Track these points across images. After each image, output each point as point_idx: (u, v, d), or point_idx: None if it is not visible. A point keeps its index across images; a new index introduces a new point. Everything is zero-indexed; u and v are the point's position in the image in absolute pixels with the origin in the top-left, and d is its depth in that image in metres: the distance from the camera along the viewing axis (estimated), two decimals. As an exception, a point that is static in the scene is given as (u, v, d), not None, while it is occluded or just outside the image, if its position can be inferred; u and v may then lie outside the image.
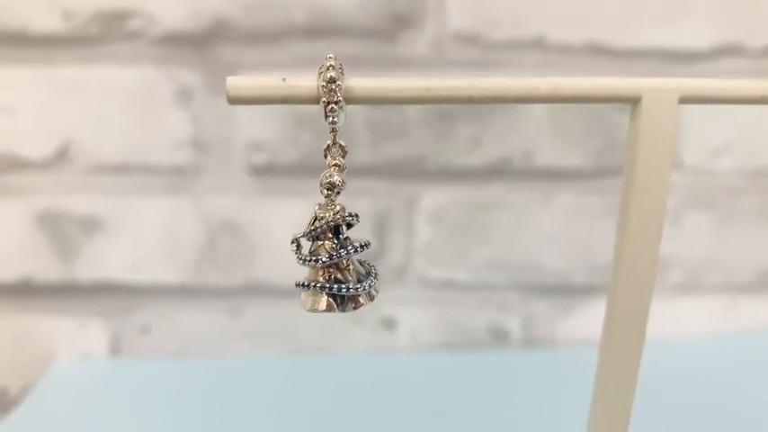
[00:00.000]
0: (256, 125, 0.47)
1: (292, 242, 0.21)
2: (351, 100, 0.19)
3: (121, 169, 0.48)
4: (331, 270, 0.20)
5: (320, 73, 0.19)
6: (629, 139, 0.17)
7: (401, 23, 0.47)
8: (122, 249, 0.49)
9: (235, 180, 0.48)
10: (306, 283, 0.21)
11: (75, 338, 0.50)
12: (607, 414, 0.21)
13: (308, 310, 0.21)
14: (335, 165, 0.20)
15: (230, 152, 0.48)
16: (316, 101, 0.19)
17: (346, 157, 0.20)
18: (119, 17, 0.46)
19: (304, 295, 0.21)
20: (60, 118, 0.47)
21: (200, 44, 0.46)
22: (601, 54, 0.48)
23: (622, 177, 0.51)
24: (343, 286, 0.20)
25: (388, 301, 0.51)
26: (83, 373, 0.49)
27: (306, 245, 0.21)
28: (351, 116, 0.46)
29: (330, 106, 0.19)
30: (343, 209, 0.21)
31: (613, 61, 0.48)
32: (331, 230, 0.20)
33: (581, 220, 0.50)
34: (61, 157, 0.47)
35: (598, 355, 0.20)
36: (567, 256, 0.51)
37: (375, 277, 0.21)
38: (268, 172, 0.48)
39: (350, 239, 0.21)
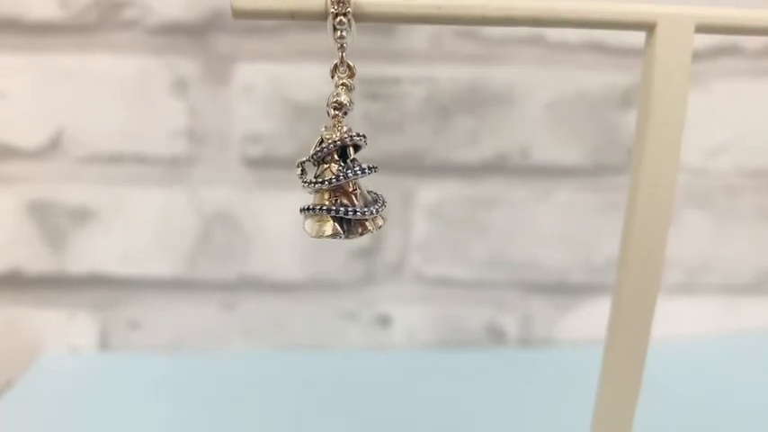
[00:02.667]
0: (253, 117, 0.47)
1: (297, 166, 0.20)
2: (360, 17, 0.18)
3: (115, 159, 0.47)
4: (337, 194, 0.20)
5: None
6: (644, 68, 0.16)
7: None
8: (114, 241, 0.48)
9: (230, 172, 0.48)
10: (311, 207, 0.20)
11: (63, 331, 0.49)
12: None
13: (313, 237, 0.20)
14: (343, 84, 0.20)
15: (226, 143, 0.47)
16: (323, 16, 0.18)
17: (354, 78, 0.20)
18: (115, 6, 0.45)
19: (309, 222, 0.20)
20: (54, 106, 0.47)
21: (196, 34, 0.46)
22: (598, 50, 0.48)
23: (621, 175, 0.50)
24: (350, 209, 0.19)
25: (383, 297, 0.50)
26: (69, 366, 0.48)
27: (311, 170, 0.20)
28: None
29: (339, 18, 0.18)
30: (350, 129, 0.20)
31: (611, 58, 0.48)
32: (338, 152, 0.20)
33: (579, 217, 0.50)
34: (54, 145, 0.47)
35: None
36: (564, 253, 0.51)
37: (383, 204, 0.20)
38: (264, 164, 0.48)
39: (357, 161, 0.20)
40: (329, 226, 0.19)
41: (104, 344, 0.50)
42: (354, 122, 0.48)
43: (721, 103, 0.50)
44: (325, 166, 0.20)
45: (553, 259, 0.51)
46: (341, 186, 0.20)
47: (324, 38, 0.46)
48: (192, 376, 0.47)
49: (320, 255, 0.49)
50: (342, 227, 0.20)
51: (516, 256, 0.50)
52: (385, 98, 0.47)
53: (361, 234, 0.20)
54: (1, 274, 0.48)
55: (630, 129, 0.50)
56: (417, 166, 0.48)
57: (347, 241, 0.51)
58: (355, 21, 0.18)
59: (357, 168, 0.20)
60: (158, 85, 0.46)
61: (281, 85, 0.47)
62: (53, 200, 0.48)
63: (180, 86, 0.47)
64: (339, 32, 0.19)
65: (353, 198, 0.20)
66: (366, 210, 0.20)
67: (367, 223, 0.20)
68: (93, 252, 0.48)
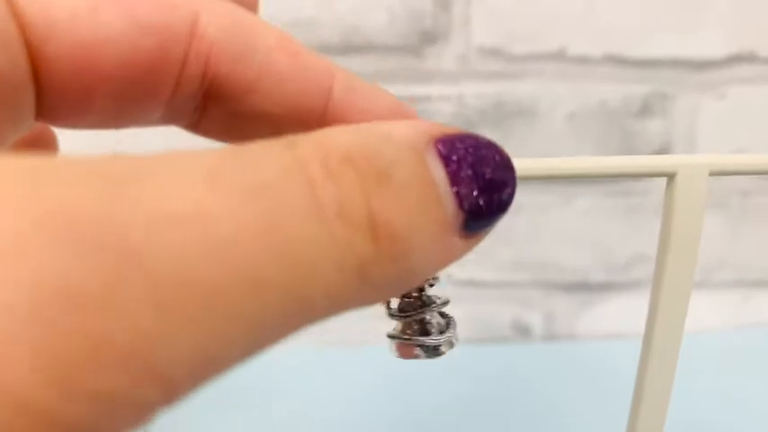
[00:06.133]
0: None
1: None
2: None
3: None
4: (418, 323, 0.23)
5: None
6: (665, 205, 0.20)
7: (428, 39, 0.49)
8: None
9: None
10: (398, 336, 0.24)
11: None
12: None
13: (398, 357, 0.24)
14: None
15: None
16: None
17: None
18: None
19: (395, 345, 0.24)
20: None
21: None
22: (618, 64, 0.51)
23: (638, 181, 0.53)
24: (431, 339, 0.23)
25: (417, 298, 0.54)
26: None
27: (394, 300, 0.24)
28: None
29: None
30: None
31: (630, 70, 0.51)
32: (416, 290, 0.23)
33: (599, 220, 0.53)
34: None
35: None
36: (585, 254, 0.54)
37: (454, 327, 0.24)
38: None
39: (434, 297, 0.24)
40: (413, 351, 0.23)
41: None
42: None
43: (736, 109, 0.52)
44: (408, 300, 0.23)
45: (575, 260, 0.54)
46: (422, 317, 0.23)
47: (357, 63, 0.49)
48: (241, 371, 0.52)
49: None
50: (423, 351, 0.23)
51: (540, 258, 0.54)
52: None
53: (439, 356, 0.24)
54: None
55: (648, 136, 0.52)
56: (447, 178, 0.52)
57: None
58: None
59: (437, 304, 0.23)
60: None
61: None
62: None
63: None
64: None
65: (431, 326, 0.23)
66: (443, 337, 0.23)
67: (442, 347, 0.24)
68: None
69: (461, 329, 0.23)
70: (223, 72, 0.17)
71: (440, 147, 0.14)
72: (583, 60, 0.50)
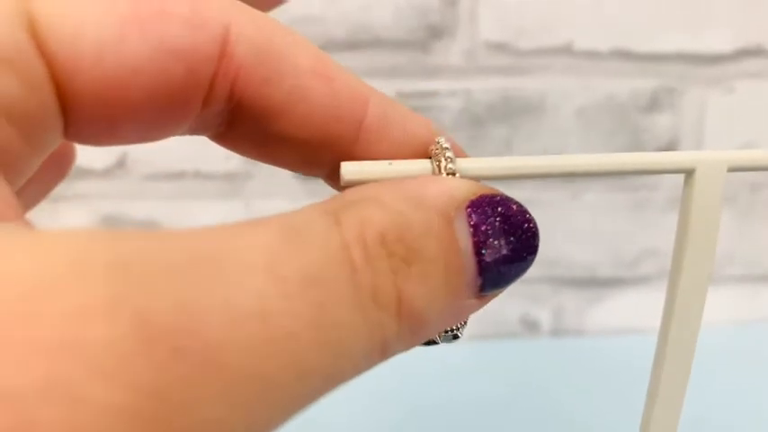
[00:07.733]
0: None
1: None
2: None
3: (176, 176, 0.52)
4: None
5: (435, 157, 0.18)
6: (683, 202, 0.20)
7: (435, 34, 0.49)
8: (179, 250, 0.53)
9: (282, 185, 0.52)
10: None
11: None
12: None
13: None
14: None
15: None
16: None
17: None
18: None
19: None
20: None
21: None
22: (626, 59, 0.50)
23: (647, 176, 0.53)
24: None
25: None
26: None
27: None
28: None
29: None
30: None
31: (638, 65, 0.51)
32: None
33: (607, 216, 0.53)
34: (120, 165, 0.51)
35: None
36: (594, 250, 0.54)
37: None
38: (312, 177, 0.51)
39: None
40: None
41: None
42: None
43: (744, 103, 0.52)
44: None
45: (583, 255, 0.54)
46: None
47: (364, 58, 0.49)
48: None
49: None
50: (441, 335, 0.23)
51: (549, 253, 0.54)
52: (423, 110, 0.51)
53: (455, 340, 0.23)
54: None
55: (657, 131, 0.52)
56: (454, 174, 0.52)
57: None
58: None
59: (449, 336, 0.23)
60: (213, 106, 0.50)
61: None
62: (123, 214, 0.52)
63: (233, 107, 0.50)
64: None
65: None
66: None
67: (460, 332, 0.23)
68: (160, 260, 0.53)
69: (470, 325, 0.23)
70: (250, 94, 0.17)
71: (471, 213, 0.15)
72: (590, 55, 0.50)
